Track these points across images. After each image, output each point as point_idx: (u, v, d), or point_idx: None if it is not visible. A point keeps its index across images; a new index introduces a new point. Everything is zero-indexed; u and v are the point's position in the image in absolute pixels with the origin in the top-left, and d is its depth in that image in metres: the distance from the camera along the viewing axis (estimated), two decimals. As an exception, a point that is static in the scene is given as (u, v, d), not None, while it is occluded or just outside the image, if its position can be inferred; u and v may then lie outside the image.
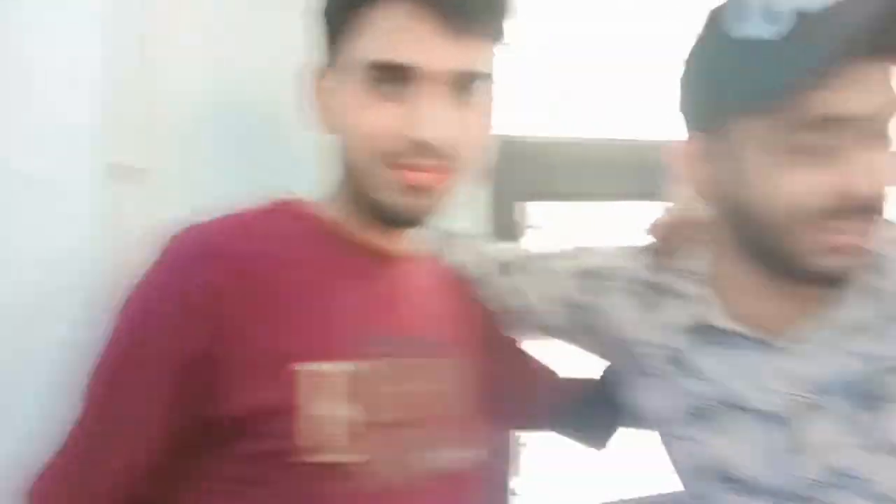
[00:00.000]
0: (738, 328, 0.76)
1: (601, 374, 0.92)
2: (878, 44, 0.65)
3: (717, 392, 0.77)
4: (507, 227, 1.24)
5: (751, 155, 0.70)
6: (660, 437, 0.85)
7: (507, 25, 0.76)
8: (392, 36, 0.71)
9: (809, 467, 0.73)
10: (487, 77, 0.75)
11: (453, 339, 0.82)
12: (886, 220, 0.74)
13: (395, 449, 0.73)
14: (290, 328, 0.72)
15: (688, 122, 0.77)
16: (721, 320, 0.77)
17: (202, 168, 0.94)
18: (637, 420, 0.87)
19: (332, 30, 0.75)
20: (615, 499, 1.30)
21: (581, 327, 0.88)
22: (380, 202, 0.74)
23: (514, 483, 1.20)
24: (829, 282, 0.71)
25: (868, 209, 0.68)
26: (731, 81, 0.70)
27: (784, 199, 0.68)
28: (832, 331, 0.74)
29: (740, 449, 0.76)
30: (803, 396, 0.73)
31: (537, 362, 0.95)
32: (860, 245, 0.69)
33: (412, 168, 0.72)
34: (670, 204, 0.85)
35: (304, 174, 0.85)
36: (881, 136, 0.68)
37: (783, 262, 0.71)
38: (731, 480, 0.76)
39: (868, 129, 0.67)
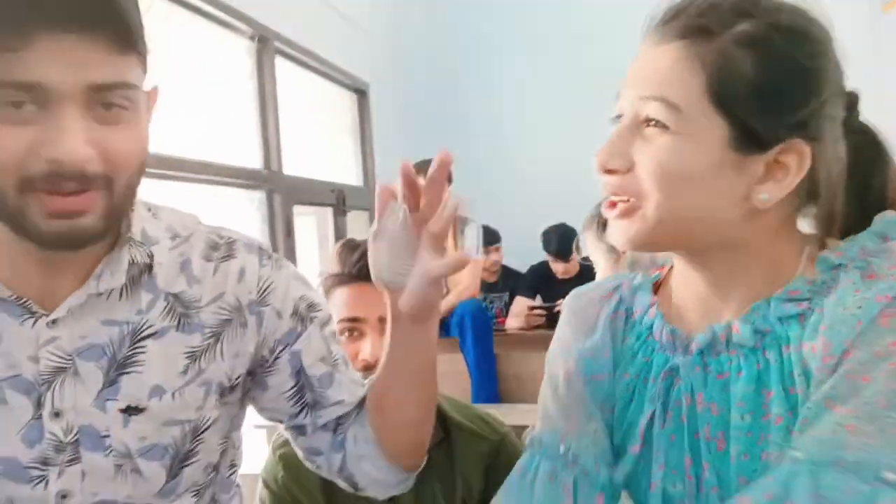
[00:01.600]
0: (6, 295, 0.75)
1: None
2: (71, 16, 0.64)
3: None
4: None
5: None
6: None
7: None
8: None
9: (60, 429, 0.75)
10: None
11: None
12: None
13: None
14: None
15: None
16: None
17: None
18: None
19: None
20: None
21: None
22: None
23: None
24: (69, 245, 0.71)
25: (81, 176, 0.67)
26: None
27: None
28: (91, 298, 0.76)
29: None
30: (61, 361, 0.75)
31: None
32: (83, 210, 0.69)
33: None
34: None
35: None
36: (112, 107, 0.68)
37: (18, 225, 0.70)
38: None
39: (80, 99, 0.66)
